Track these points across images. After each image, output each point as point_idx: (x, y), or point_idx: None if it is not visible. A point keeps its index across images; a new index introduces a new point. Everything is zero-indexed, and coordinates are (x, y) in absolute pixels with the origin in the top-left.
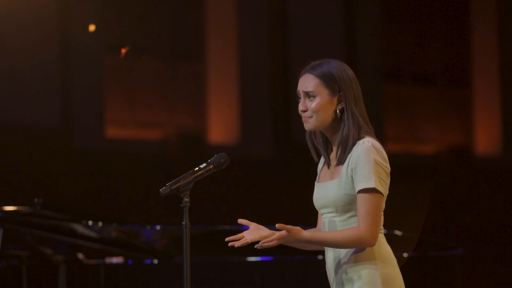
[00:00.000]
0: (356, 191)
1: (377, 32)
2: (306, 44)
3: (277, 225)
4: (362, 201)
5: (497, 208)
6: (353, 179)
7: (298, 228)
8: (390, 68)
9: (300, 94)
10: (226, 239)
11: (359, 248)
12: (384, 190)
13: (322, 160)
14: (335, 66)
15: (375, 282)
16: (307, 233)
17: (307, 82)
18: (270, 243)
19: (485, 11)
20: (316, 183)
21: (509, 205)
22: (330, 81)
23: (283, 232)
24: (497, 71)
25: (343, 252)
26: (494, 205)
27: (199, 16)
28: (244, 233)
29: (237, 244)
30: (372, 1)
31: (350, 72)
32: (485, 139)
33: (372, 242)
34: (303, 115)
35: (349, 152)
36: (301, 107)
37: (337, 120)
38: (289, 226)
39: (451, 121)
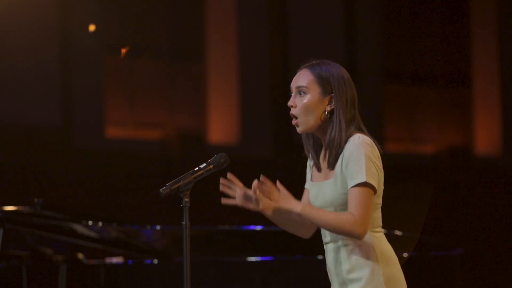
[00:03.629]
0: (349, 187)
1: (377, 32)
2: (306, 44)
3: (278, 183)
4: (355, 193)
5: (497, 208)
6: (346, 173)
7: (293, 199)
8: (390, 68)
9: (292, 91)
10: (221, 181)
11: (361, 248)
12: (375, 183)
13: (308, 159)
14: (333, 68)
15: (378, 282)
16: (301, 206)
17: (302, 78)
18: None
19: (485, 11)
20: (310, 181)
21: (509, 205)
22: (324, 81)
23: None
24: (497, 71)
25: (345, 252)
26: (494, 205)
27: (199, 16)
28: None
29: (229, 201)
30: (372, 1)
31: (346, 76)
32: (485, 139)
33: (362, 234)
34: (291, 111)
35: (340, 153)
36: (290, 102)
37: (327, 121)
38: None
39: (451, 121)
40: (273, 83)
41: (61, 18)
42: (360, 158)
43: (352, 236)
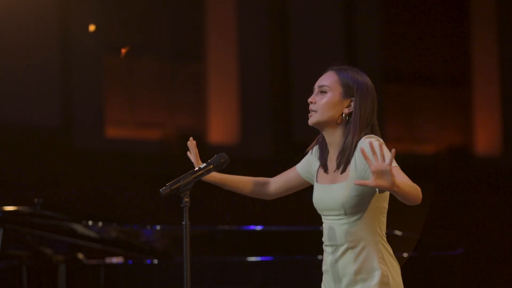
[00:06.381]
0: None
1: (377, 32)
2: (306, 44)
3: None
4: (400, 171)
5: (497, 208)
6: (365, 173)
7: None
8: (390, 68)
9: (314, 89)
10: None
11: (370, 250)
12: None
13: (313, 153)
14: (359, 75)
15: (386, 285)
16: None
17: (326, 78)
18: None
19: (485, 11)
20: (316, 183)
21: (509, 205)
22: (347, 83)
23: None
24: (497, 71)
25: (352, 254)
26: (494, 205)
27: (199, 16)
28: None
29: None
30: (372, 1)
31: (371, 85)
32: (485, 139)
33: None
34: (310, 107)
35: (351, 156)
36: (311, 98)
37: (342, 125)
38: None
39: (451, 121)
40: (273, 83)
41: (61, 18)
42: (384, 148)
43: (418, 201)
